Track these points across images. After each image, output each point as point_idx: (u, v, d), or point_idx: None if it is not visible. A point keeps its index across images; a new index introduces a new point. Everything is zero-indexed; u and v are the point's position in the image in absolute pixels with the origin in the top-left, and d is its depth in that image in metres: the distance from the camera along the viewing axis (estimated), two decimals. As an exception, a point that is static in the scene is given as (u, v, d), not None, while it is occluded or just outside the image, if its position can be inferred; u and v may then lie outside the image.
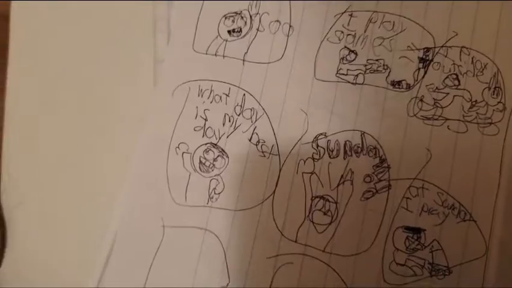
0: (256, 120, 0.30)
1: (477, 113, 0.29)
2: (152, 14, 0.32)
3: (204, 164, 0.30)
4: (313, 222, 0.29)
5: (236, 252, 0.29)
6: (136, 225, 0.29)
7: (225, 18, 0.31)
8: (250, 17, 0.31)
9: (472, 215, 0.28)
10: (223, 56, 0.31)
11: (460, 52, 0.30)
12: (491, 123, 0.29)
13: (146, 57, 0.32)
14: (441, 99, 0.29)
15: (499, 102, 0.29)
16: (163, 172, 0.30)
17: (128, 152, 0.30)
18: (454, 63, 0.30)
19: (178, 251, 0.29)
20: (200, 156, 0.30)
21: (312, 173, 0.29)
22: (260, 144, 0.30)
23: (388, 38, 0.30)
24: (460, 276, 0.28)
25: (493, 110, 0.29)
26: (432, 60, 0.30)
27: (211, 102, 0.30)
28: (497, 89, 0.29)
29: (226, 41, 0.31)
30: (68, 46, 0.32)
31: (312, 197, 0.29)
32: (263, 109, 0.30)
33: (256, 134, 0.30)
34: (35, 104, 0.31)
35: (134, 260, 0.29)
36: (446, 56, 0.30)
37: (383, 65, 0.30)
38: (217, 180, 0.29)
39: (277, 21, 0.31)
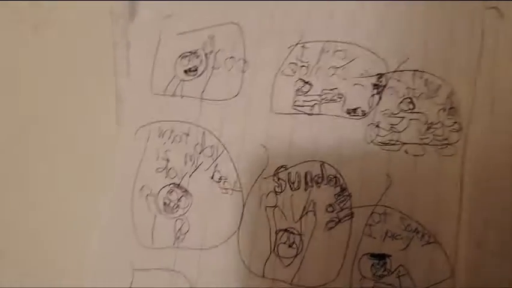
0: (217, 158, 0.30)
1: (434, 134, 0.29)
2: (113, 55, 0.33)
3: (168, 205, 0.30)
4: (279, 256, 0.29)
5: (204, 291, 0.29)
6: (106, 269, 0.29)
7: (181, 58, 0.32)
8: (205, 55, 0.32)
9: (436, 238, 0.28)
10: (181, 96, 0.31)
11: (413, 76, 0.30)
12: (448, 144, 0.29)
13: (108, 98, 0.32)
14: (397, 124, 0.30)
15: (455, 123, 0.29)
16: (129, 215, 0.30)
17: (91, 190, 0.30)
18: (407, 87, 0.30)
19: (147, 294, 0.29)
20: (164, 197, 0.30)
21: (275, 207, 0.29)
22: (222, 181, 0.30)
23: (341, 66, 0.31)
24: (428, 301, 0.28)
25: (450, 130, 0.29)
26: (386, 85, 0.30)
27: (172, 143, 0.31)
28: (452, 109, 0.30)
29: (183, 80, 0.31)
30: (30, 84, 0.32)
31: (277, 230, 0.29)
32: (223, 146, 0.30)
33: (218, 171, 0.30)
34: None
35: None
36: (399, 81, 0.30)
37: (338, 93, 0.30)
38: (182, 220, 0.30)
39: (232, 57, 0.32)
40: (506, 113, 0.29)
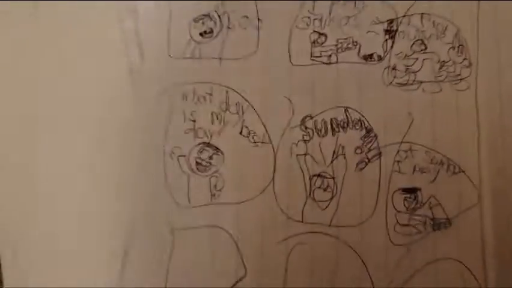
0: (243, 114, 0.31)
1: (447, 72, 0.31)
2: (121, 29, 0.33)
3: (200, 164, 0.30)
4: (315, 200, 0.30)
5: (248, 243, 0.29)
6: (145, 234, 0.29)
7: (195, 21, 0.32)
8: (219, 17, 0.32)
9: (461, 167, 0.30)
10: (200, 58, 0.32)
11: (421, 18, 0.32)
12: (461, 79, 0.31)
13: (120, 70, 0.32)
14: (412, 65, 0.31)
15: (464, 59, 0.31)
16: (162, 178, 0.30)
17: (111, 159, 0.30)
18: (417, 30, 0.31)
19: (191, 251, 0.29)
20: (195, 157, 0.30)
21: (305, 154, 0.30)
22: (251, 135, 0.30)
23: (353, 16, 0.32)
24: (459, 227, 0.29)
25: (461, 67, 0.31)
26: (397, 30, 0.31)
27: (196, 104, 0.31)
28: (460, 47, 0.31)
29: (200, 43, 0.32)
30: (40, 63, 0.32)
31: (310, 176, 0.30)
32: (248, 102, 0.31)
33: (246, 126, 0.31)
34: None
35: (149, 269, 0.29)
36: (409, 24, 0.32)
37: (353, 41, 0.32)
38: (216, 177, 0.30)
39: (246, 16, 0.32)
40: (509, 47, 0.31)
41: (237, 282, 0.29)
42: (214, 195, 0.30)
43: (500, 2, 0.31)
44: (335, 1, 0.32)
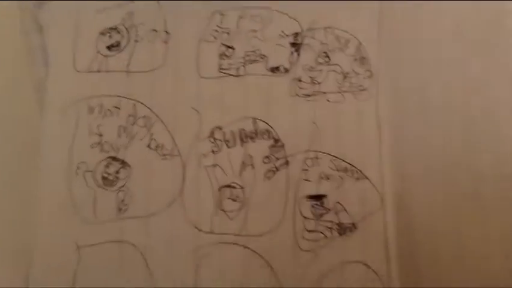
0: (151, 127, 0.31)
1: (350, 83, 0.32)
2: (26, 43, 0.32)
3: (107, 178, 0.30)
4: (224, 211, 0.30)
5: (156, 256, 0.29)
6: (50, 253, 0.28)
7: (102, 34, 0.32)
8: (126, 29, 0.32)
9: (364, 173, 0.31)
10: (107, 71, 0.31)
11: (325, 32, 0.33)
12: (363, 90, 0.32)
13: (25, 84, 0.31)
14: (317, 76, 0.32)
15: (366, 70, 0.33)
16: (67, 194, 0.29)
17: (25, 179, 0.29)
18: (321, 43, 0.33)
19: (97, 268, 0.29)
20: (101, 172, 0.30)
21: (214, 165, 0.30)
22: (159, 148, 0.30)
23: (259, 29, 0.33)
24: (364, 230, 0.31)
25: (363, 77, 0.33)
26: (302, 43, 0.33)
27: (103, 118, 0.31)
28: (362, 58, 0.33)
29: (107, 56, 0.32)
30: None
31: (219, 187, 0.30)
32: (156, 115, 0.31)
33: (154, 139, 0.31)
34: None
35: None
36: (313, 38, 0.33)
37: (260, 54, 0.32)
38: (123, 191, 0.30)
39: (154, 30, 0.32)
40: (409, 58, 0.33)
41: (145, 297, 0.29)
42: (121, 209, 0.29)
43: (399, 16, 0.33)
44: (243, 15, 0.33)
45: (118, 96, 0.31)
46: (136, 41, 0.32)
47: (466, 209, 0.31)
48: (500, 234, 0.31)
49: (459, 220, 0.31)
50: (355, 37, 0.33)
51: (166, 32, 0.32)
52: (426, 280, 0.30)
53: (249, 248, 0.30)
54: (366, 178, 0.31)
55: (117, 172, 0.30)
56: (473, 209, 0.31)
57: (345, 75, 0.32)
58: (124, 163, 0.30)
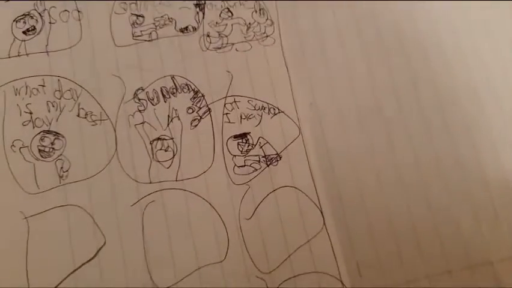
0: (78, 98, 0.33)
1: (254, 32, 0.36)
2: None
3: (43, 151, 0.32)
4: (159, 161, 0.33)
5: (102, 212, 0.31)
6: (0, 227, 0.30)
7: (16, 22, 0.34)
8: (39, 14, 0.34)
9: (279, 108, 0.35)
10: (27, 54, 0.33)
11: (224, -10, 0.36)
12: (267, 36, 0.36)
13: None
14: (223, 30, 0.36)
15: (267, 19, 0.36)
16: (7, 172, 0.31)
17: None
18: (222, 0, 0.36)
19: (47, 234, 0.30)
20: (37, 146, 0.32)
21: (143, 123, 0.33)
22: (89, 115, 0.33)
23: (165, -4, 0.35)
24: (288, 158, 0.34)
25: (265, 26, 0.36)
26: (205, 3, 0.36)
27: (30, 97, 0.32)
28: (261, 10, 0.36)
29: (24, 41, 0.33)
30: None
31: (151, 141, 0.33)
32: (80, 86, 0.33)
33: (82, 108, 0.33)
34: None
35: (8, 261, 0.30)
36: (214, -4, 0.36)
37: (168, 18, 0.35)
38: (61, 160, 0.32)
39: (66, 10, 0.34)
40: (303, 3, 0.37)
41: (98, 250, 0.31)
42: (62, 176, 0.31)
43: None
44: (147, -14, 0.35)
45: (42, 75, 0.33)
46: (50, 22, 0.34)
47: (375, 124, 0.35)
48: (405, 138, 0.35)
49: (369, 135, 0.35)
50: (253, -8, 0.36)
51: (78, 10, 0.35)
52: (346, 193, 0.34)
53: (187, 191, 0.33)
54: (282, 112, 0.35)
55: (52, 143, 0.32)
56: (380, 123, 0.35)
57: (248, 26, 0.36)
58: (57, 134, 0.32)
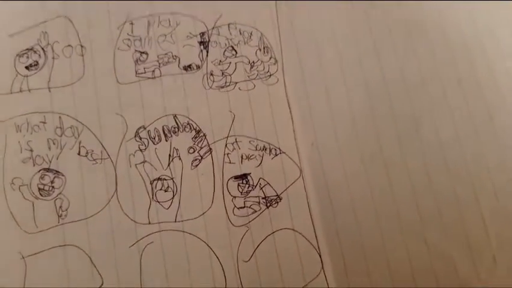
0: (79, 136, 0.33)
1: (257, 71, 0.36)
2: None
3: (43, 189, 0.32)
4: (158, 202, 0.33)
5: (100, 253, 0.31)
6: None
7: (19, 56, 0.34)
8: (43, 49, 0.34)
9: (281, 149, 0.35)
10: (29, 90, 0.33)
11: (228, 28, 0.36)
12: (270, 75, 0.36)
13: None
14: (227, 69, 0.36)
15: (271, 58, 0.36)
16: (6, 210, 0.31)
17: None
18: (227, 38, 0.36)
19: (45, 274, 0.30)
20: (37, 184, 0.32)
21: (144, 162, 0.33)
22: (89, 154, 0.33)
23: (169, 33, 0.35)
24: (288, 199, 0.34)
25: (268, 64, 0.36)
26: (209, 41, 0.36)
27: (31, 134, 0.32)
28: (266, 48, 0.36)
29: (27, 76, 0.33)
30: None
31: (151, 181, 0.33)
32: (82, 124, 0.33)
33: (83, 146, 0.33)
34: None
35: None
36: (219, 35, 0.36)
37: (172, 56, 0.35)
38: (60, 199, 0.32)
39: (69, 45, 0.34)
40: (307, 42, 0.37)
41: (95, 292, 0.31)
42: (61, 215, 0.31)
43: (295, 3, 0.37)
44: (151, 22, 0.35)
45: (43, 112, 0.33)
46: (54, 58, 0.34)
47: (374, 167, 0.35)
48: (406, 182, 0.35)
49: (369, 176, 0.35)
50: (257, 29, 0.36)
51: (81, 45, 0.35)
52: (346, 237, 0.34)
53: (186, 232, 0.32)
54: (284, 153, 0.35)
55: (52, 182, 0.32)
56: (379, 166, 0.35)
57: (252, 65, 0.36)
58: (57, 173, 0.32)
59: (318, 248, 0.33)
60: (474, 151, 0.34)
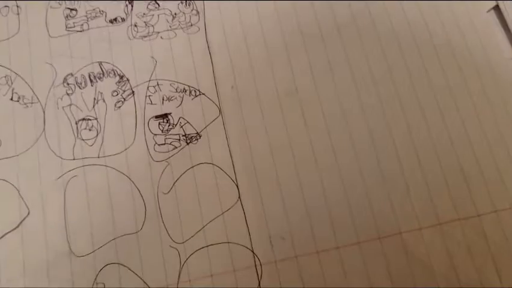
0: (12, 83, 0.36)
1: (179, 21, 0.39)
2: None
3: (-23, 131, 0.35)
4: (83, 140, 0.35)
5: (27, 186, 0.34)
6: None
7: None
8: (-18, 9, 0.38)
9: (200, 91, 0.37)
10: (-31, 47, 0.37)
11: (153, -16, 0.39)
12: (192, 25, 0.39)
13: None
14: (150, 20, 0.38)
15: (192, 10, 0.39)
16: None
17: None
18: (150, -7, 0.39)
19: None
20: (-28, 126, 0.35)
21: (70, 105, 0.36)
22: (21, 99, 0.36)
23: (97, -9, 0.39)
24: (208, 137, 0.36)
25: (190, 15, 0.39)
26: (134, -4, 0.39)
27: (-34, 85, 0.36)
28: (188, 1, 0.39)
29: (-32, 35, 0.37)
30: None
31: (76, 121, 0.36)
32: (15, 73, 0.36)
33: (16, 93, 0.36)
34: None
35: None
36: (143, -10, 0.39)
37: (99, 11, 0.38)
38: (-8, 139, 0.35)
39: (6, 6, 0.38)
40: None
41: (21, 221, 0.33)
42: (-9, 153, 0.34)
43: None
44: (83, -17, 0.39)
45: (-21, 63, 0.36)
46: (-9, 17, 0.38)
47: (291, 105, 0.37)
48: (319, 120, 0.36)
49: (285, 115, 0.37)
50: (179, -16, 0.39)
51: (17, 6, 0.38)
52: (262, 169, 0.35)
53: (108, 166, 0.35)
54: (203, 94, 0.37)
55: (-15, 124, 0.35)
56: (295, 104, 0.37)
57: (174, 16, 0.38)
58: (-10, 116, 0.35)
59: (236, 179, 0.35)
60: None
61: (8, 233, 0.33)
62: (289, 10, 0.39)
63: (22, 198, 0.34)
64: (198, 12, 0.39)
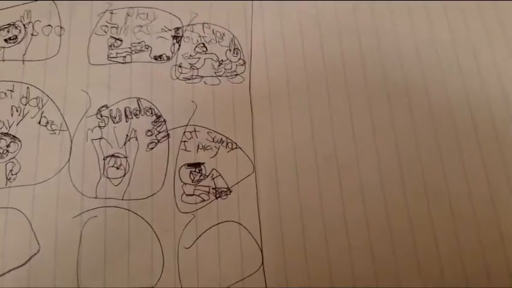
0: (43, 106, 0.34)
1: (224, 68, 0.37)
2: None
3: (-3, 152, 0.32)
4: (108, 178, 0.33)
5: (41, 220, 0.31)
6: None
7: (0, 30, 0.36)
8: (24, 25, 0.36)
9: (237, 144, 0.36)
10: (3, 60, 0.35)
11: (203, 27, 0.38)
12: (237, 75, 0.37)
13: None
14: (195, 63, 0.37)
15: (239, 59, 0.38)
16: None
17: None
18: (199, 36, 0.38)
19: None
20: (-8, 147, 0.32)
21: (100, 139, 0.34)
22: (49, 124, 0.34)
23: (145, 25, 0.37)
24: (238, 193, 0.34)
25: (236, 65, 0.38)
26: (182, 36, 0.38)
27: (-4, 100, 0.34)
28: (236, 49, 0.38)
29: (4, 48, 0.35)
30: None
31: (104, 157, 0.34)
32: (47, 96, 0.34)
33: (45, 117, 0.34)
34: None
35: None
36: (193, 31, 0.38)
37: (145, 45, 0.37)
38: (12, 163, 0.32)
39: (49, 25, 0.36)
40: (276, 50, 0.38)
41: (30, 258, 0.31)
42: (9, 179, 0.32)
43: (268, 12, 0.39)
44: (130, 13, 0.37)
45: (13, 81, 0.34)
46: (32, 34, 0.36)
47: (328, 174, 0.35)
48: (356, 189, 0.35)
49: (321, 185, 0.35)
50: (229, 31, 0.38)
51: (61, 27, 0.36)
52: (290, 239, 0.34)
53: (131, 211, 0.33)
54: (240, 148, 0.35)
55: (7, 146, 0.33)
56: (330, 170, 0.35)
57: (220, 63, 0.37)
58: (14, 138, 0.33)
59: (261, 244, 0.33)
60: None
61: (13, 269, 0.30)
62: (338, 71, 0.38)
63: (34, 233, 0.31)
64: (244, 63, 0.38)
